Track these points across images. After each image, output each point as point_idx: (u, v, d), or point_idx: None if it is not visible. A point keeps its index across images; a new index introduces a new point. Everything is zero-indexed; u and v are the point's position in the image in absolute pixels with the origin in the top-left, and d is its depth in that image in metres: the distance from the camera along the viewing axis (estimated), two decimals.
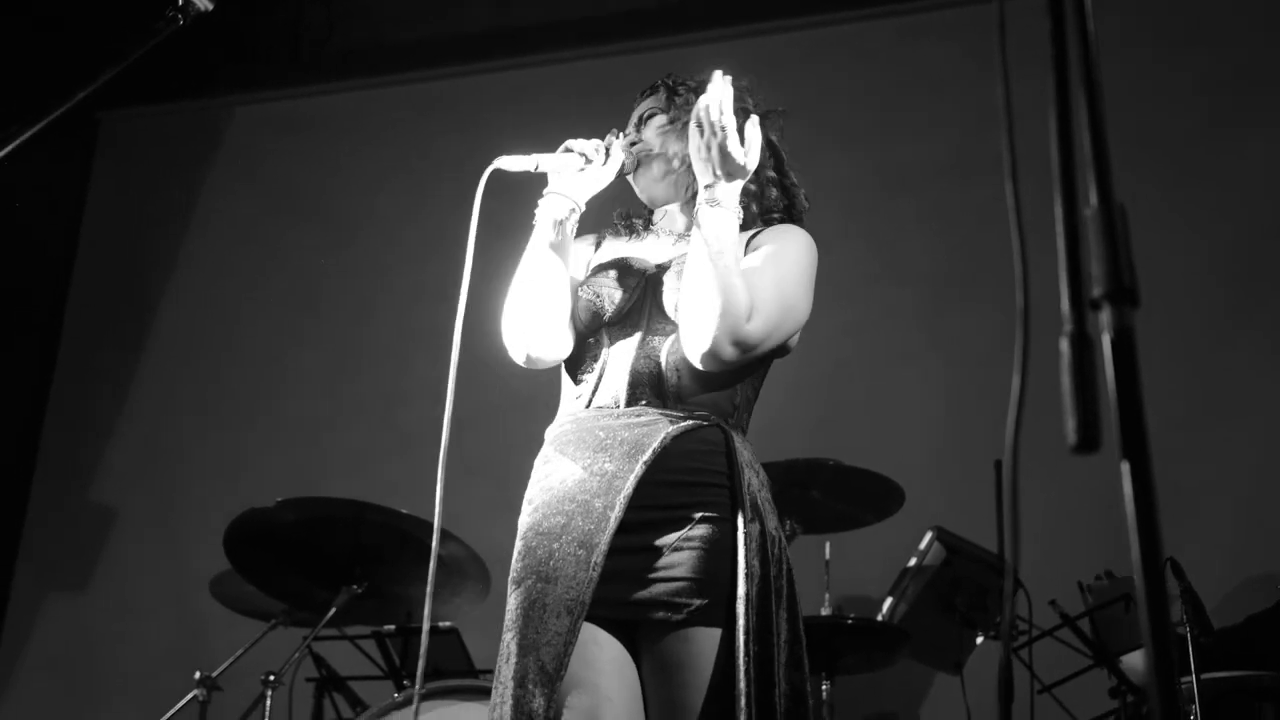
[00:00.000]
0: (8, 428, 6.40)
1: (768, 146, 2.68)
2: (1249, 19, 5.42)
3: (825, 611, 4.10)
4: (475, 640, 4.35)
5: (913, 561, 4.12)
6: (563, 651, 2.23)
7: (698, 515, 2.32)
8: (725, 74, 2.49)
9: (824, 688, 4.00)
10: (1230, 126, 5.26)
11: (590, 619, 2.27)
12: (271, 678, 3.98)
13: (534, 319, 2.49)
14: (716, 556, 2.30)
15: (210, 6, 2.10)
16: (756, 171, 2.58)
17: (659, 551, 2.30)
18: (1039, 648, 4.03)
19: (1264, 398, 4.90)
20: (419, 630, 4.10)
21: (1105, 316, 1.11)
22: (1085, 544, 4.35)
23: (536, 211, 2.57)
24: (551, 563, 2.30)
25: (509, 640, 2.30)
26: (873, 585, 4.41)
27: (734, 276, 2.35)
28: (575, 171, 2.53)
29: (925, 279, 5.37)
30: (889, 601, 4.12)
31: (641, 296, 2.50)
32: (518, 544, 2.40)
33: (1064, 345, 1.11)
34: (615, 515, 2.29)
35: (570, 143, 2.56)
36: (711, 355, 2.34)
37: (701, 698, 2.26)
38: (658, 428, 2.35)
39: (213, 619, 5.01)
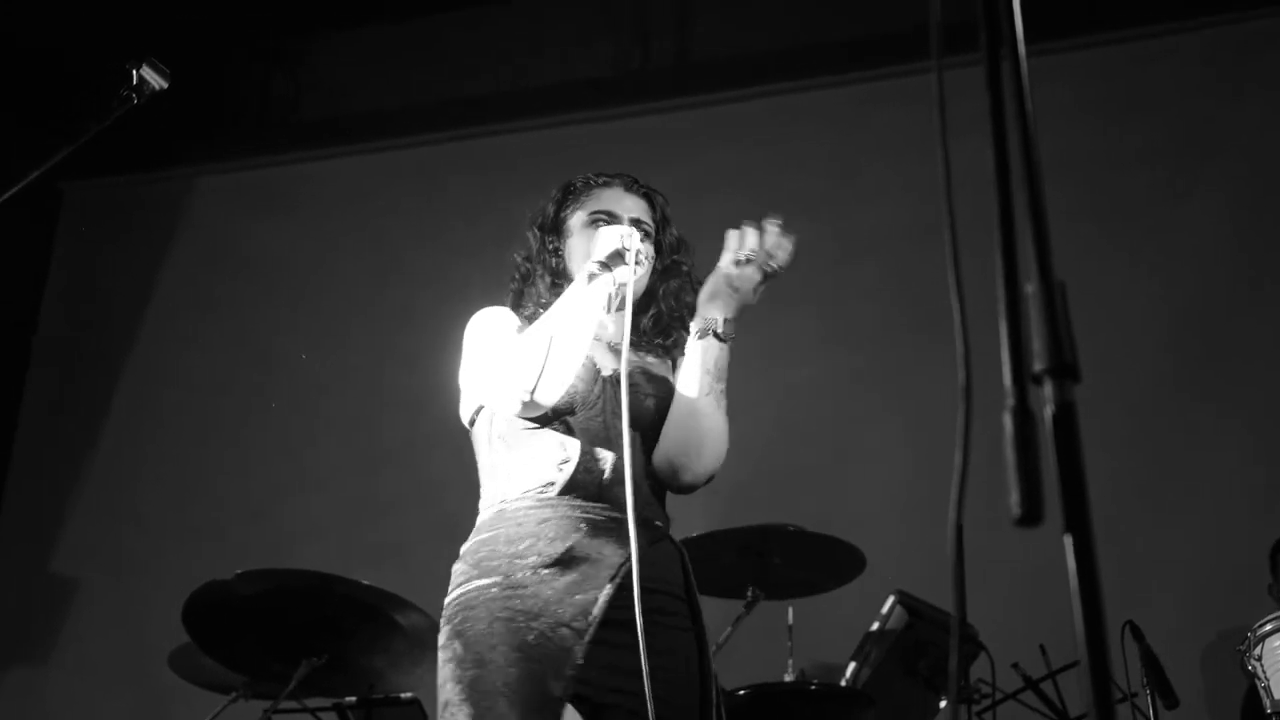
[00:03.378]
0: None
1: (685, 259, 2.78)
2: (1192, 86, 5.52)
3: (789, 677, 4.10)
4: (435, 710, 4.31)
5: (875, 626, 4.12)
6: None
7: (667, 624, 2.40)
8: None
9: None
10: (1176, 195, 5.35)
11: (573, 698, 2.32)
12: None
13: (566, 368, 2.42)
14: (692, 665, 2.42)
15: (165, 85, 2.12)
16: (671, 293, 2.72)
17: (632, 650, 2.25)
18: (1003, 711, 4.03)
19: (1215, 462, 4.95)
20: (380, 701, 4.08)
21: (1047, 391, 1.13)
22: (1048, 607, 4.35)
23: (598, 278, 2.48)
24: (538, 643, 2.28)
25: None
26: (836, 650, 4.39)
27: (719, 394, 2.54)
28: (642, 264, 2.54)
29: (882, 342, 5.42)
30: (852, 666, 4.11)
31: (602, 396, 2.52)
32: (475, 612, 2.34)
33: (1006, 419, 1.13)
34: (597, 610, 2.32)
35: (623, 230, 2.54)
36: (702, 481, 2.57)
37: None
38: (626, 539, 2.30)
39: (173, 692, 4.95)
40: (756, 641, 4.08)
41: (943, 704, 4.20)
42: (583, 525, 2.39)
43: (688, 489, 2.57)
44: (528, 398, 2.39)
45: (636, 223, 2.65)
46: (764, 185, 5.82)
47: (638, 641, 2.24)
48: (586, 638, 2.29)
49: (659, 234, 2.73)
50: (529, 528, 2.40)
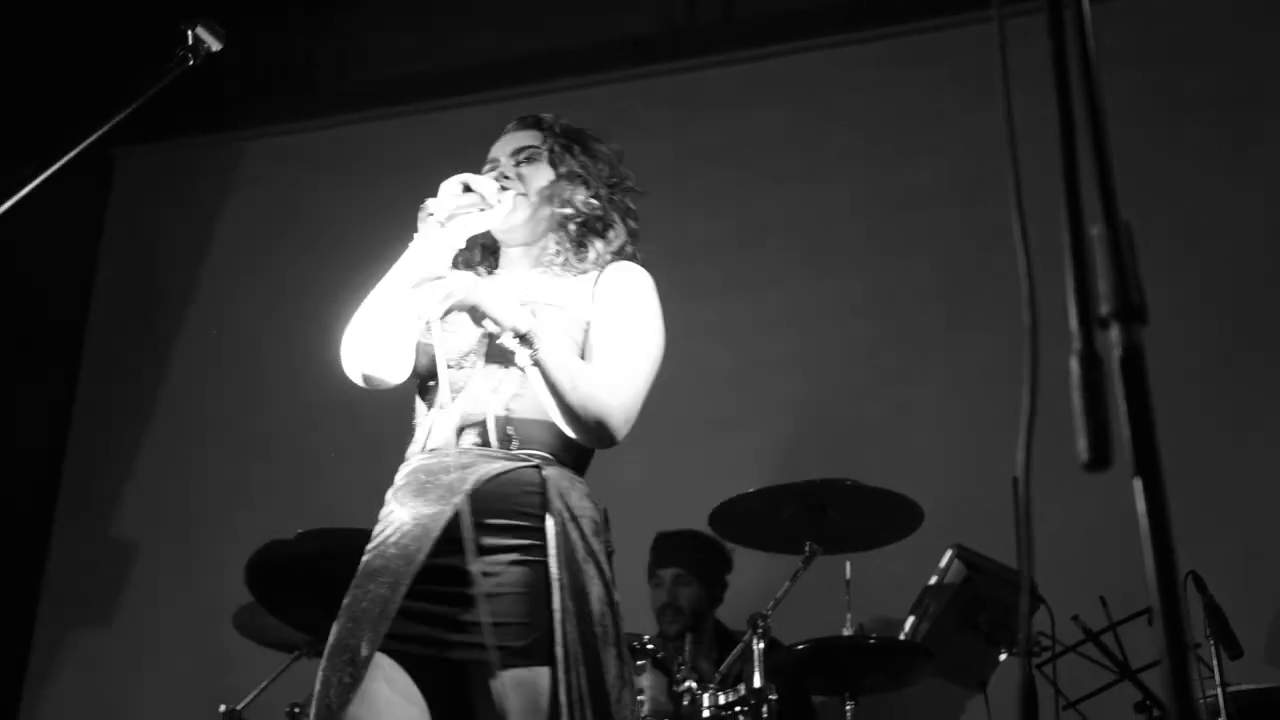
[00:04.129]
0: (30, 465, 6.42)
1: (587, 155, 2.75)
2: (1249, 35, 5.42)
3: (847, 631, 4.09)
4: None
5: (933, 580, 4.11)
6: (349, 688, 2.29)
7: (510, 559, 2.36)
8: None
9: (848, 708, 3.98)
10: (1233, 143, 5.26)
11: (396, 654, 2.33)
12: (297, 709, 3.99)
13: (385, 339, 2.57)
14: (533, 598, 2.34)
15: (220, 46, 2.13)
16: (556, 202, 2.68)
17: (473, 595, 2.31)
18: (1063, 663, 4.01)
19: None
20: None
21: (1114, 334, 1.11)
22: (1106, 558, 4.34)
23: (413, 240, 2.61)
24: (363, 604, 2.37)
25: (322, 669, 2.37)
26: (894, 605, 4.39)
27: (591, 386, 2.43)
28: (473, 212, 2.57)
29: (936, 296, 5.38)
30: (911, 620, 4.10)
31: (480, 343, 2.53)
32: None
33: (1074, 364, 1.11)
34: (421, 558, 2.34)
35: (468, 179, 2.61)
36: (612, 442, 2.51)
37: None
38: (474, 470, 2.40)
39: (236, 652, 5.01)
40: (814, 596, 4.08)
41: (1003, 657, 4.19)
42: (425, 481, 2.45)
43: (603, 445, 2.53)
44: (365, 382, 2.64)
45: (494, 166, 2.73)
46: (810, 142, 5.78)
47: (460, 590, 2.31)
48: (401, 593, 2.33)
49: (552, 155, 2.73)
50: (393, 500, 2.52)
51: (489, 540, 2.35)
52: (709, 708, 3.72)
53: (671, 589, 4.67)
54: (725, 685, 3.80)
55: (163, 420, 6.40)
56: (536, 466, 2.43)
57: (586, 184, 2.70)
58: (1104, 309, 1.12)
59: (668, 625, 4.62)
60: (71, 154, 1.78)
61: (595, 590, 2.40)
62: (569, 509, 2.43)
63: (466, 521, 2.28)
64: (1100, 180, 1.17)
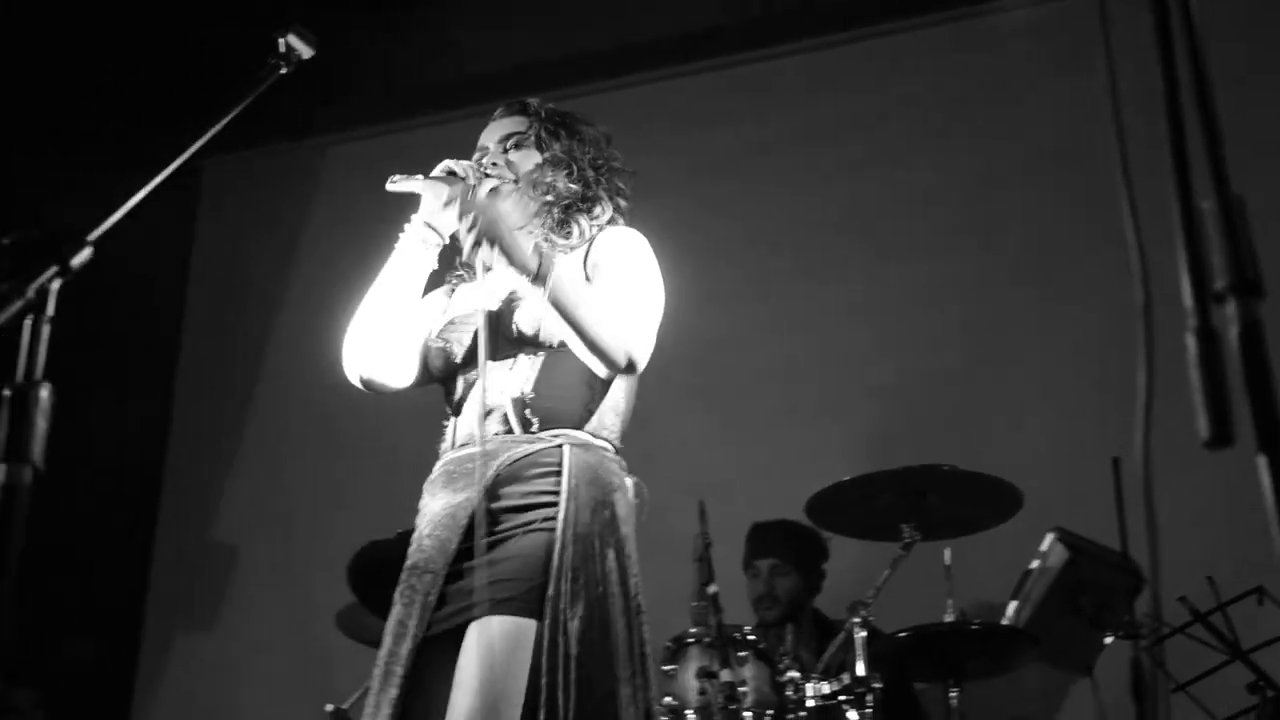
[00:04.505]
0: (131, 473, 6.54)
1: (573, 138, 2.77)
2: None
3: (948, 617, 4.06)
4: None
5: (1035, 564, 4.06)
6: (404, 681, 2.35)
7: (524, 529, 2.41)
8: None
9: (952, 695, 3.95)
10: None
11: (434, 637, 2.39)
12: None
13: (378, 341, 2.66)
14: (535, 560, 2.37)
15: (312, 53, 2.15)
16: (540, 186, 2.71)
17: (484, 566, 2.37)
18: (1171, 645, 3.95)
19: None
20: None
21: (1230, 309, 1.09)
22: (1213, 538, 4.28)
23: (400, 237, 2.69)
24: (412, 595, 2.45)
25: (375, 679, 2.44)
26: (995, 590, 4.35)
27: (608, 312, 2.49)
28: (446, 199, 2.61)
29: (1032, 278, 5.31)
30: (1013, 605, 4.06)
31: (489, 333, 2.56)
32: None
33: (1190, 341, 1.09)
34: (453, 547, 2.41)
35: (451, 164, 2.66)
36: (632, 369, 2.54)
37: (478, 678, 2.27)
38: (497, 457, 2.46)
39: (339, 651, 5.07)
40: (913, 583, 4.04)
41: (1108, 640, 4.13)
42: (453, 471, 2.52)
43: (627, 370, 2.56)
44: (364, 385, 2.75)
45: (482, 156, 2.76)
46: (884, 127, 5.73)
47: (478, 565, 2.35)
48: (439, 585, 2.41)
49: (539, 140, 2.77)
50: (426, 493, 2.60)
51: (509, 520, 2.42)
52: (813, 697, 3.71)
53: (768, 579, 4.66)
54: (828, 674, 3.79)
55: (257, 425, 6.48)
56: (559, 445, 2.48)
57: (570, 167, 2.72)
58: (1219, 284, 1.10)
59: (765, 615, 4.60)
60: (175, 164, 1.80)
61: (609, 566, 2.43)
62: (589, 483, 2.46)
63: (480, 511, 2.36)
64: (1210, 152, 1.15)
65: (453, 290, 2.82)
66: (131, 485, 6.54)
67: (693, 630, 3.83)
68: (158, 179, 1.77)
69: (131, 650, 6.29)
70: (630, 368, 2.52)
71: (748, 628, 3.93)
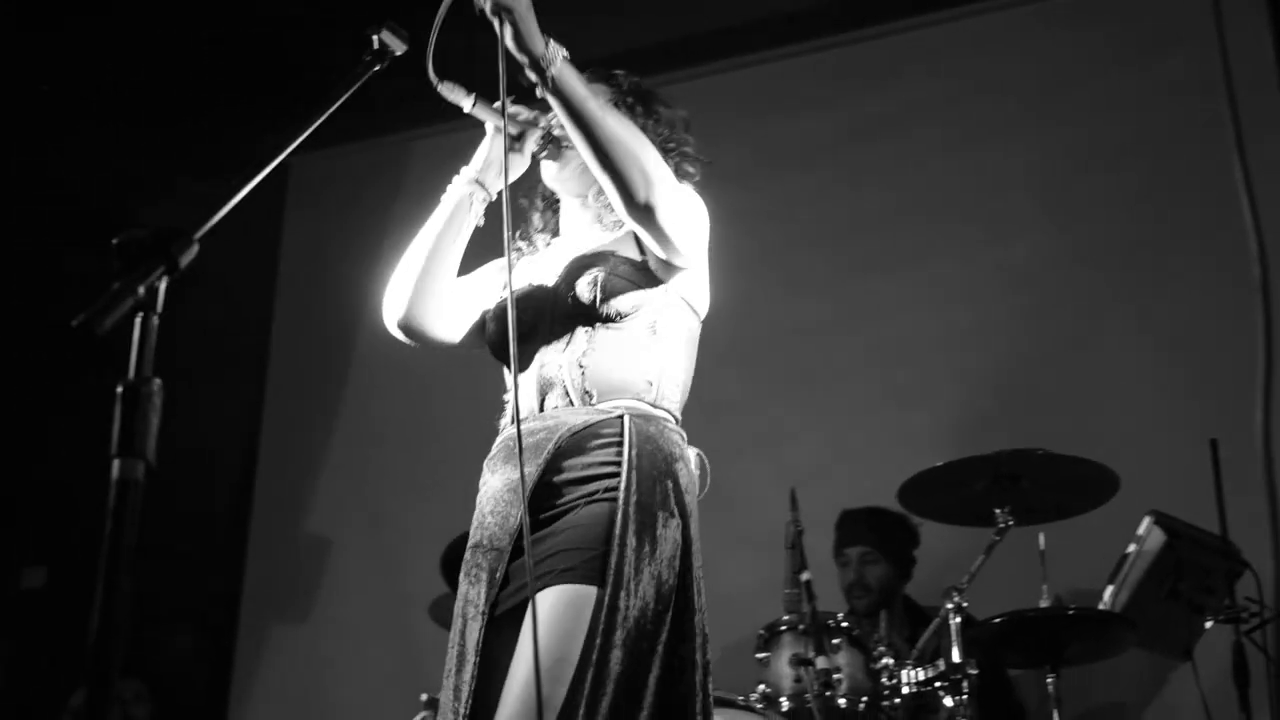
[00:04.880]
0: (225, 468, 6.64)
1: (649, 117, 2.67)
2: None
3: (1044, 603, 4.02)
4: (718, 667, 4.36)
5: (1132, 548, 4.02)
6: (479, 661, 2.30)
7: (585, 500, 2.34)
8: None
9: (1049, 680, 3.91)
10: None
11: (502, 615, 2.34)
12: None
13: (415, 287, 2.61)
14: (596, 530, 2.30)
15: (405, 49, 2.17)
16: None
17: (546, 539, 2.33)
18: (1275, 630, 3.89)
19: None
20: None
21: None
22: None
23: (448, 188, 2.66)
24: (478, 574, 2.40)
25: (449, 654, 2.40)
26: (1090, 574, 4.30)
27: (616, 118, 2.39)
28: (499, 137, 2.57)
29: (1124, 259, 5.23)
30: (1109, 590, 4.02)
31: (540, 310, 2.53)
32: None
33: None
34: (516, 521, 2.35)
35: (511, 107, 2.57)
36: (650, 190, 2.36)
37: (545, 645, 2.18)
38: (557, 427, 2.40)
39: (433, 641, 5.10)
40: (1007, 569, 4.01)
41: (1208, 625, 4.08)
42: (513, 447, 2.42)
43: (650, 209, 2.39)
44: (404, 333, 2.69)
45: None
46: (975, 108, 5.67)
47: (540, 539, 2.31)
48: (504, 562, 2.36)
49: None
50: (486, 470, 2.52)
51: (571, 492, 2.36)
52: (908, 684, 3.70)
53: (858, 567, 4.64)
54: (922, 661, 3.77)
55: (347, 418, 6.55)
56: (619, 416, 2.41)
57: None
58: None
59: (856, 603, 4.59)
60: (276, 160, 1.83)
61: (671, 536, 2.34)
62: (650, 454, 2.38)
63: (527, 485, 2.30)
64: None
65: (510, 266, 2.72)
66: (225, 479, 6.64)
67: (786, 618, 3.83)
68: (258, 176, 1.80)
69: (228, 642, 6.38)
70: (648, 209, 2.38)
71: (841, 614, 3.92)
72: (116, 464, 1.42)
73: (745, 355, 5.53)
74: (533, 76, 2.37)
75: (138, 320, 1.50)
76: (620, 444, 2.37)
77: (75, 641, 6.13)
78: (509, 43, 2.34)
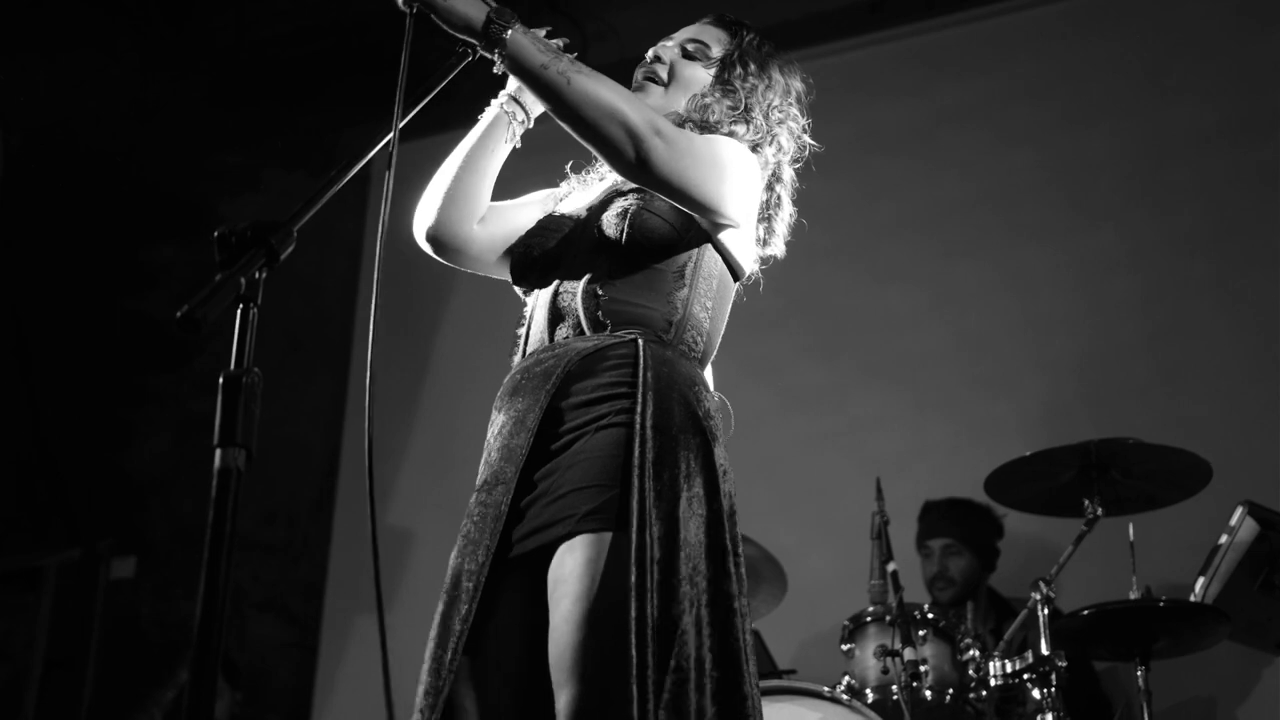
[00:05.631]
0: (309, 461, 6.71)
1: (760, 78, 2.55)
2: None
3: (1134, 595, 3.96)
4: (775, 641, 4.35)
5: (1224, 538, 3.94)
6: (478, 597, 2.17)
7: (594, 426, 2.19)
8: None
9: (1139, 673, 3.86)
10: None
11: (514, 559, 2.20)
12: None
13: (445, 199, 2.53)
14: (608, 461, 2.14)
15: None
16: (697, 100, 2.52)
17: (556, 472, 2.19)
18: None
19: None
20: None
21: None
22: None
23: (485, 110, 2.54)
24: (484, 511, 2.26)
25: (442, 601, 2.28)
26: (1181, 567, 4.23)
27: (591, 79, 2.24)
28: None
29: (1214, 245, 5.15)
30: (1200, 581, 3.95)
31: (568, 240, 2.41)
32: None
33: None
34: (523, 450, 2.21)
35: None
36: (638, 146, 2.23)
37: (583, 607, 2.06)
38: (566, 354, 2.26)
39: None
40: (1095, 560, 3.97)
41: None
42: (520, 380, 2.33)
43: (645, 163, 2.24)
44: (432, 244, 2.62)
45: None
46: (1060, 95, 5.60)
47: (549, 471, 2.19)
48: (509, 497, 2.22)
49: (724, 63, 2.57)
50: (494, 410, 2.41)
51: (579, 416, 2.21)
52: (995, 676, 3.66)
53: (941, 559, 4.61)
54: (1009, 653, 3.73)
55: (427, 413, 6.59)
56: (634, 340, 2.25)
57: (739, 102, 2.51)
58: None
59: (940, 595, 4.56)
60: (372, 153, 1.86)
61: (693, 464, 2.17)
62: (668, 375, 2.22)
63: (537, 413, 2.21)
64: None
65: (561, 199, 2.64)
66: (310, 472, 6.71)
67: (871, 609, 3.81)
68: (354, 169, 1.81)
69: (313, 637, 6.44)
70: (643, 166, 2.23)
71: (927, 606, 3.89)
72: (219, 453, 1.43)
73: (829, 345, 5.51)
74: (484, 53, 2.22)
75: (238, 311, 1.52)
76: (633, 364, 2.22)
77: (165, 631, 6.21)
78: (443, 24, 2.20)
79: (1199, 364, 5.03)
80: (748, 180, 2.41)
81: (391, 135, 1.90)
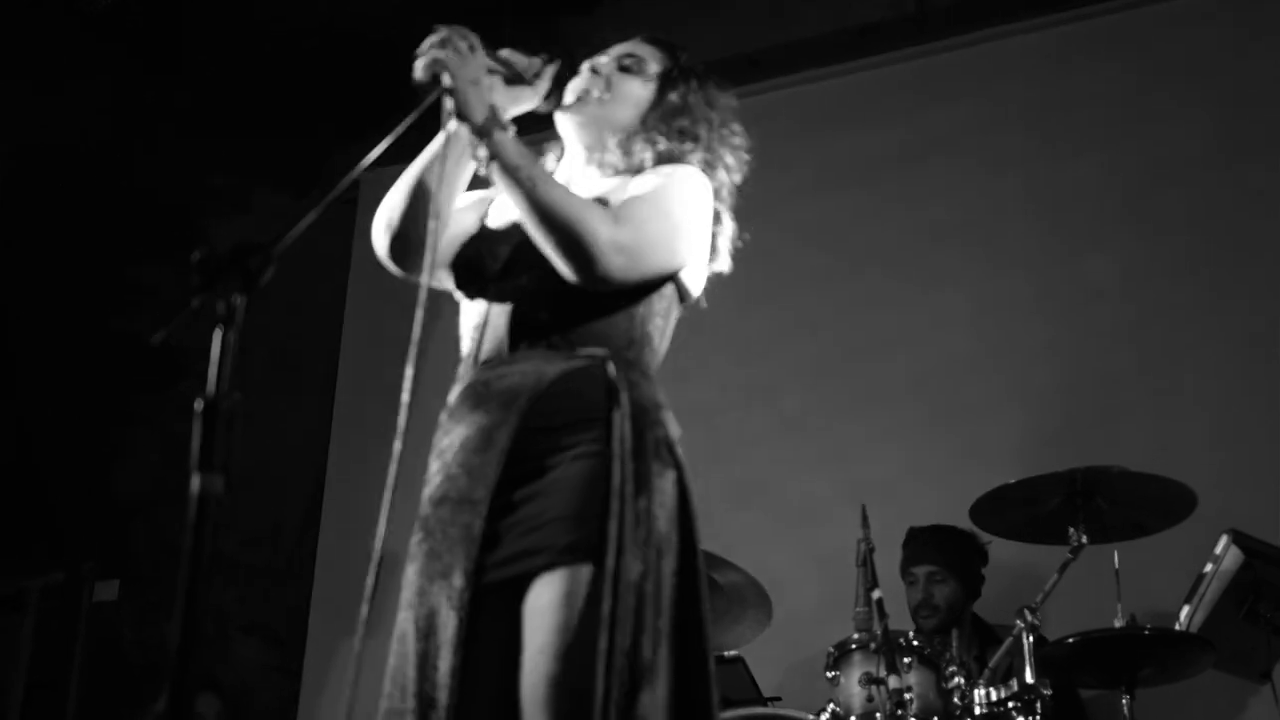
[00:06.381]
0: (294, 482, 6.69)
1: (700, 93, 2.55)
2: None
3: (1119, 623, 3.96)
4: (760, 668, 4.33)
5: (1209, 567, 3.95)
6: (463, 623, 2.14)
7: (571, 455, 2.17)
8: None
9: (1124, 701, 3.86)
10: None
11: (489, 584, 2.16)
12: None
13: (404, 211, 2.48)
14: (587, 491, 2.12)
15: None
16: (649, 123, 2.50)
17: (533, 499, 2.16)
18: None
19: None
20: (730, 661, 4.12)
21: None
22: None
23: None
24: (445, 529, 2.22)
25: (402, 618, 2.25)
26: (1166, 595, 4.23)
27: (557, 188, 2.25)
28: (500, 87, 2.39)
29: (1199, 274, 5.17)
30: (1186, 610, 3.95)
31: (522, 247, 2.35)
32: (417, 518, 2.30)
33: None
34: (494, 473, 2.18)
35: (505, 53, 2.44)
36: (595, 264, 2.22)
37: (561, 640, 2.05)
38: (534, 373, 2.24)
39: None
40: (1083, 587, 3.96)
41: None
42: (481, 392, 2.29)
43: (604, 277, 2.25)
44: (389, 253, 2.58)
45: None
46: (1048, 120, 5.62)
47: (525, 498, 2.16)
48: (482, 515, 2.17)
49: (663, 79, 2.57)
50: (448, 420, 2.36)
51: (550, 441, 2.18)
52: (980, 704, 3.65)
53: (926, 586, 4.59)
54: (994, 681, 3.73)
55: (415, 434, 6.55)
56: (602, 362, 2.24)
57: (688, 118, 2.51)
58: None
59: (924, 623, 4.55)
60: (352, 175, 1.85)
61: (666, 490, 2.18)
62: (639, 403, 2.21)
63: (506, 434, 2.18)
64: None
65: (493, 200, 2.59)
66: (294, 493, 6.69)
67: (856, 636, 3.80)
68: (333, 193, 1.80)
69: (296, 660, 6.42)
70: (589, 270, 2.23)
71: (912, 633, 3.89)
72: (196, 478, 1.42)
73: (815, 372, 5.51)
74: (478, 144, 2.27)
75: (216, 335, 1.51)
76: (604, 389, 2.21)
77: (147, 653, 6.18)
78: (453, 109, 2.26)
79: (1184, 392, 5.04)
80: (701, 224, 2.41)
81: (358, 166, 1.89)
